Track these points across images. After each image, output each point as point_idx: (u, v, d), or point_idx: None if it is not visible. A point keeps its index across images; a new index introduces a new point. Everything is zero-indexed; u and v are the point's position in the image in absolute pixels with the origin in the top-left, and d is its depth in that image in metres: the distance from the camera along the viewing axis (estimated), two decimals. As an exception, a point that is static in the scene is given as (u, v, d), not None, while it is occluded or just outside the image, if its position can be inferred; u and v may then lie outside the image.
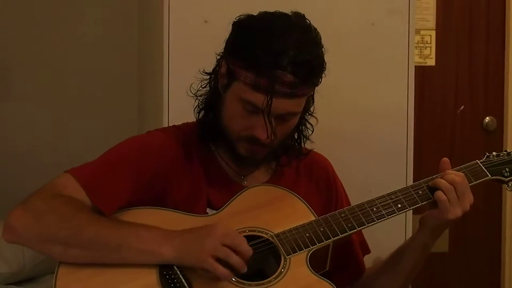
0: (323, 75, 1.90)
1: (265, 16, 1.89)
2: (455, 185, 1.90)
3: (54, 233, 1.74)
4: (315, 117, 2.01)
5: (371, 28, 2.63)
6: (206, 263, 1.71)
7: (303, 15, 1.90)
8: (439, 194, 1.90)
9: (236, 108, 1.86)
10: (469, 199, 1.92)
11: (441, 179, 1.92)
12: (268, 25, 1.83)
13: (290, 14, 1.89)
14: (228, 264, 1.72)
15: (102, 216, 1.78)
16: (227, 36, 1.91)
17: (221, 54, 1.94)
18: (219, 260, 1.71)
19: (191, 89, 2.00)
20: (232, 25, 1.90)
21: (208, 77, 1.98)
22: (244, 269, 1.74)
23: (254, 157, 1.94)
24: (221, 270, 1.71)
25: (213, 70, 1.97)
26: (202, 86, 1.99)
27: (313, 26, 1.89)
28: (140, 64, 3.43)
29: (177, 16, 2.48)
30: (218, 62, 1.95)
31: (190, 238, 1.75)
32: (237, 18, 1.90)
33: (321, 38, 1.89)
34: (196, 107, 2.00)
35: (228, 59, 1.88)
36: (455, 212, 1.90)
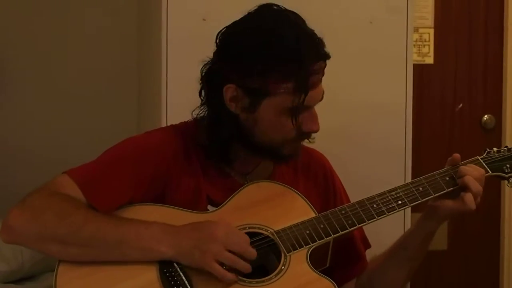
0: None
1: (256, 23, 1.85)
2: (480, 181, 1.92)
3: (52, 231, 1.74)
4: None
5: (369, 26, 2.64)
6: (211, 268, 1.72)
7: (272, 4, 1.89)
8: (470, 187, 1.90)
9: (281, 120, 1.84)
10: (480, 194, 1.93)
11: (471, 178, 1.91)
12: (269, 29, 1.81)
13: (265, 9, 1.87)
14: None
15: (100, 213, 1.78)
16: (219, 61, 1.87)
17: (210, 80, 1.90)
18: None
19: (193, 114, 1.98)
20: (220, 46, 1.87)
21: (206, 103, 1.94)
22: (249, 271, 1.75)
23: (297, 152, 1.95)
24: (228, 275, 1.72)
25: (208, 99, 1.92)
26: (200, 112, 1.95)
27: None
28: (139, 63, 3.43)
29: (176, 14, 2.49)
30: (214, 89, 1.89)
31: (191, 237, 1.74)
32: (219, 39, 1.87)
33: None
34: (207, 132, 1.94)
35: (241, 81, 1.83)
36: (474, 207, 1.90)
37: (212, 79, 1.90)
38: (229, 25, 1.89)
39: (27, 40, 3.48)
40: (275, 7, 1.88)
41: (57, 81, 3.51)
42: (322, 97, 1.89)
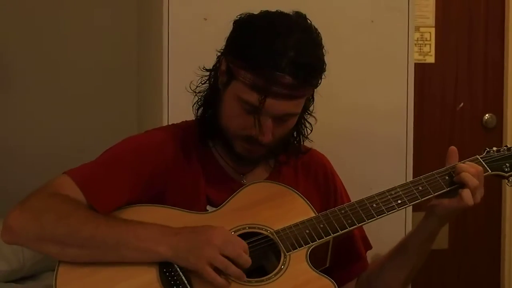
0: (323, 76, 1.89)
1: (266, 16, 1.87)
2: (478, 178, 1.91)
3: (51, 232, 1.74)
4: (314, 117, 2.01)
5: (370, 26, 2.64)
6: (204, 271, 1.71)
7: (305, 15, 1.89)
8: (467, 183, 1.90)
9: (235, 107, 1.86)
10: (481, 192, 1.92)
11: (468, 174, 1.91)
12: (269, 25, 1.83)
13: (291, 13, 1.88)
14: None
15: (99, 214, 1.78)
16: (228, 35, 1.90)
17: (221, 51, 1.93)
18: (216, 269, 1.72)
19: (191, 85, 2.00)
20: (233, 23, 1.89)
21: (208, 74, 1.98)
22: (243, 279, 1.74)
23: (251, 156, 1.94)
24: (219, 280, 1.71)
25: (213, 67, 1.96)
26: (202, 83, 1.99)
27: (314, 27, 1.88)
28: (140, 62, 3.43)
29: (177, 14, 2.48)
30: (219, 59, 1.94)
31: (188, 239, 1.74)
32: (238, 17, 1.90)
33: (321, 39, 1.88)
34: (195, 104, 2.00)
35: (228, 58, 1.87)
36: (472, 203, 1.90)
37: (219, 56, 1.94)
38: (248, 14, 1.90)
39: (28, 40, 3.47)
40: (290, 14, 1.88)
41: (57, 81, 3.50)
42: (283, 118, 1.85)
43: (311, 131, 2.02)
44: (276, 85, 1.78)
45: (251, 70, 1.79)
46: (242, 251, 1.74)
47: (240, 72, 1.82)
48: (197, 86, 1.99)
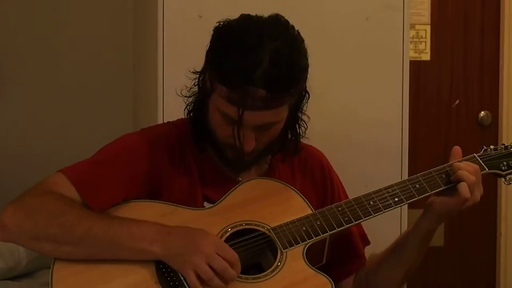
0: (307, 77, 1.87)
1: (242, 24, 1.84)
2: (475, 175, 1.91)
3: (45, 230, 1.74)
4: (307, 116, 2.00)
5: (365, 23, 2.63)
6: (188, 277, 1.71)
7: (285, 20, 1.85)
8: (463, 179, 1.89)
9: (217, 117, 1.85)
10: (479, 190, 1.92)
11: (464, 171, 1.91)
12: (243, 36, 1.79)
13: (271, 17, 1.85)
14: None
15: (93, 212, 1.78)
16: (208, 44, 1.89)
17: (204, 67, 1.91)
18: None
19: (182, 90, 1.99)
20: (213, 31, 1.88)
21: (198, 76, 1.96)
22: None
23: (241, 162, 1.93)
24: None
25: (202, 69, 1.94)
26: (191, 86, 1.97)
27: (295, 31, 1.85)
28: (135, 61, 3.43)
29: (172, 11, 2.48)
30: (202, 76, 1.92)
31: (180, 242, 1.74)
32: (218, 24, 1.87)
33: (302, 42, 1.85)
34: (186, 106, 1.99)
35: (208, 69, 1.87)
36: (469, 202, 1.90)
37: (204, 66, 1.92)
38: (226, 20, 1.88)
39: (24, 41, 3.47)
40: (281, 19, 1.85)
41: (52, 80, 3.50)
42: (264, 128, 1.84)
43: (306, 128, 2.01)
44: (250, 99, 1.76)
45: (225, 85, 1.78)
46: (228, 265, 1.72)
47: (216, 85, 1.81)
48: (190, 88, 1.98)
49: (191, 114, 1.98)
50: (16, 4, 3.47)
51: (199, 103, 1.93)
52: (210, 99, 1.86)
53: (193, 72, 1.95)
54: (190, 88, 1.98)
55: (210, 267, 1.70)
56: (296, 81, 1.83)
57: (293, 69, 1.80)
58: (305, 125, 1.99)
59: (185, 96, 1.98)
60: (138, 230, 1.75)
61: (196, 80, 1.95)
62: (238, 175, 1.99)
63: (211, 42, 1.87)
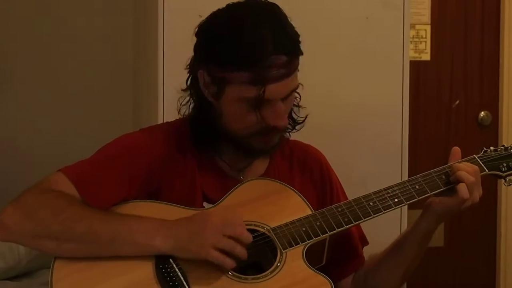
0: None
1: (227, 14, 1.86)
2: (474, 176, 1.92)
3: (46, 228, 1.74)
4: (301, 107, 2.00)
5: (365, 22, 2.63)
6: (210, 256, 1.72)
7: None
8: (462, 179, 1.90)
9: (240, 109, 1.84)
10: (479, 191, 1.93)
11: (463, 172, 1.91)
12: (238, 20, 1.81)
13: (243, 1, 1.88)
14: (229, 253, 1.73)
15: (94, 209, 1.78)
16: (195, 46, 1.89)
17: (192, 65, 1.92)
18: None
19: (180, 106, 1.99)
20: (196, 34, 1.88)
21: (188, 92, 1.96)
22: (245, 257, 1.75)
23: (269, 147, 1.93)
24: (228, 261, 1.72)
25: (190, 85, 1.94)
26: (183, 104, 1.98)
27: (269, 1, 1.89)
28: (135, 60, 3.43)
29: (172, 11, 2.48)
30: (193, 75, 1.92)
31: (186, 229, 1.75)
32: (197, 27, 1.89)
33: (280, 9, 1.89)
34: (191, 120, 1.97)
35: (209, 68, 1.85)
36: (468, 202, 1.90)
37: (191, 66, 1.92)
38: (208, 15, 1.90)
39: (25, 40, 3.47)
40: (253, 1, 1.88)
41: (53, 80, 3.50)
42: (291, 94, 1.87)
43: (303, 124, 2.01)
44: (275, 69, 1.78)
45: (244, 69, 1.78)
46: (242, 228, 1.75)
47: (232, 75, 1.81)
48: (182, 105, 1.98)
49: (193, 118, 1.96)
50: (17, 4, 3.46)
51: (203, 112, 1.92)
52: (224, 96, 1.85)
53: (183, 90, 1.95)
54: (189, 98, 1.97)
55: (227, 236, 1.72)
56: (298, 37, 1.86)
57: (294, 30, 1.85)
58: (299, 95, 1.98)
59: (183, 104, 1.98)
60: (139, 226, 1.75)
61: (183, 98, 1.96)
62: (240, 174, 1.99)
63: (202, 41, 1.87)
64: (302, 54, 1.87)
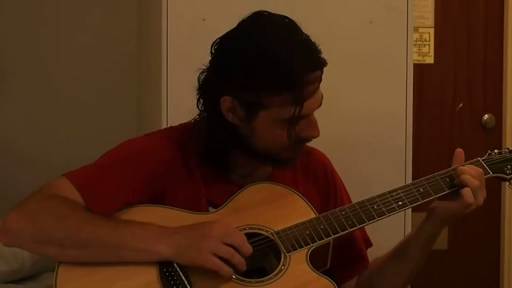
0: None
1: (251, 35, 1.83)
2: (478, 179, 1.92)
3: (50, 234, 1.74)
4: None
5: (369, 26, 2.63)
6: (208, 262, 1.71)
7: (264, 12, 1.88)
8: (467, 183, 1.90)
9: (275, 129, 1.84)
10: (483, 194, 1.93)
11: (467, 175, 1.91)
12: (263, 41, 1.80)
13: (257, 19, 1.86)
14: (228, 262, 1.72)
15: (97, 215, 1.78)
16: (216, 72, 1.87)
17: (209, 92, 1.89)
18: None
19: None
20: (216, 60, 1.87)
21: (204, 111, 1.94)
22: (244, 268, 1.75)
23: (298, 156, 1.95)
24: (226, 268, 1.71)
25: (205, 108, 1.93)
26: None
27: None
28: (139, 63, 3.43)
29: (175, 15, 2.48)
30: (210, 99, 1.89)
31: (188, 235, 1.75)
32: (215, 53, 1.87)
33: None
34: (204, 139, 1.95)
35: (238, 95, 1.83)
36: (473, 206, 1.90)
37: (209, 89, 1.90)
38: (223, 36, 1.88)
39: (27, 41, 3.47)
40: (267, 15, 1.87)
41: (56, 83, 3.50)
42: (321, 104, 1.89)
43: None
44: (311, 86, 1.81)
45: (285, 91, 1.78)
46: (243, 239, 1.75)
47: (271, 99, 1.80)
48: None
49: (208, 139, 1.93)
50: (19, 5, 3.47)
51: (219, 130, 1.90)
52: (257, 120, 1.84)
53: (198, 109, 1.94)
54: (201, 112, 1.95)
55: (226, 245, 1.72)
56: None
57: (310, 39, 1.85)
58: None
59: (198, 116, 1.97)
60: (143, 232, 1.75)
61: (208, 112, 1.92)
62: (243, 179, 1.99)
63: (230, 66, 1.83)
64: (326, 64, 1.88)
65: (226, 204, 1.91)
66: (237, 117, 1.86)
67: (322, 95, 1.89)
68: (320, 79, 1.84)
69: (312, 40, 1.84)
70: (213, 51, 1.89)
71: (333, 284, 1.80)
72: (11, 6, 3.46)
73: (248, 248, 1.75)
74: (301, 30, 1.85)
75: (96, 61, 3.52)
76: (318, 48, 1.84)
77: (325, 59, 1.84)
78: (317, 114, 1.98)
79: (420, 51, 3.99)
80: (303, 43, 1.81)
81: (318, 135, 1.89)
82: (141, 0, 3.38)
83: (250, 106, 1.83)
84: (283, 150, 1.89)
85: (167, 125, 2.40)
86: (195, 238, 1.74)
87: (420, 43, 3.99)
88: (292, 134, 1.84)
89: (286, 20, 1.85)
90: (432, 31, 4.01)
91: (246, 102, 1.83)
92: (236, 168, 1.97)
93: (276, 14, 1.87)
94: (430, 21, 4.00)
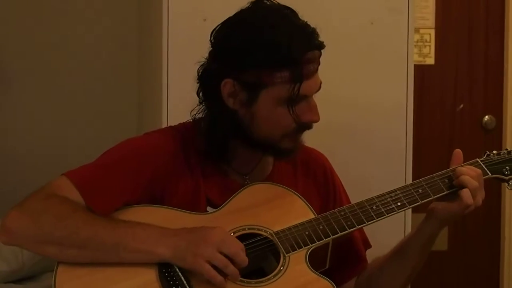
0: None
1: (249, 17, 1.87)
2: (477, 180, 1.92)
3: (50, 233, 1.74)
4: None
5: (370, 27, 2.64)
6: (202, 269, 1.72)
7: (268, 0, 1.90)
8: (466, 184, 1.90)
9: (275, 111, 1.85)
10: (482, 194, 1.93)
11: (466, 176, 1.91)
12: (264, 21, 1.83)
13: (257, 4, 1.89)
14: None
15: (97, 215, 1.78)
16: (218, 56, 1.88)
17: (209, 77, 1.90)
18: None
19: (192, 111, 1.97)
20: (217, 43, 1.88)
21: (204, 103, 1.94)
22: (238, 278, 1.75)
23: (297, 146, 1.94)
24: (218, 278, 1.72)
25: (205, 97, 1.93)
26: (194, 115, 1.96)
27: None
28: (140, 64, 3.43)
29: (176, 15, 2.49)
30: (211, 86, 1.90)
31: (186, 239, 1.75)
32: (215, 36, 1.89)
33: None
34: (204, 131, 1.94)
35: (240, 75, 1.84)
36: (472, 207, 1.90)
37: (209, 77, 1.90)
38: (223, 22, 1.91)
39: (27, 42, 3.48)
40: (267, 2, 1.89)
41: (57, 82, 3.51)
42: (320, 88, 1.90)
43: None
44: (310, 65, 1.83)
45: (285, 68, 1.80)
46: (239, 249, 1.74)
47: (271, 76, 1.81)
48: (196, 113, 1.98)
49: (209, 130, 1.93)
50: (20, 5, 3.47)
51: (219, 119, 1.90)
52: (258, 101, 1.85)
53: (198, 98, 1.94)
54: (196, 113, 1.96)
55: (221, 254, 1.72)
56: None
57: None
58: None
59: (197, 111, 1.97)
60: (143, 233, 1.76)
61: (208, 101, 1.93)
62: (243, 177, 1.99)
63: (233, 46, 1.85)
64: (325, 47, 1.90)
65: (226, 204, 1.91)
66: (238, 101, 1.87)
67: (320, 81, 1.90)
68: (318, 61, 1.86)
69: (310, 25, 1.87)
70: (212, 38, 1.91)
71: (332, 285, 1.80)
72: (11, 6, 3.46)
73: (243, 260, 1.74)
74: (298, 16, 1.87)
75: (96, 61, 3.52)
76: (317, 32, 1.86)
77: (323, 42, 1.87)
78: (320, 112, 1.99)
79: (421, 52, 3.99)
80: (301, 26, 1.84)
81: (318, 120, 1.89)
82: (141, 0, 3.39)
83: (251, 86, 1.84)
84: (283, 138, 1.89)
85: (167, 125, 2.39)
86: (192, 243, 1.74)
87: (421, 44, 3.99)
88: (293, 116, 1.85)
89: (286, 9, 1.88)
90: (432, 32, 4.01)
91: (248, 82, 1.84)
92: (236, 160, 1.96)
93: (276, 3, 1.90)
94: (431, 22, 4.00)
